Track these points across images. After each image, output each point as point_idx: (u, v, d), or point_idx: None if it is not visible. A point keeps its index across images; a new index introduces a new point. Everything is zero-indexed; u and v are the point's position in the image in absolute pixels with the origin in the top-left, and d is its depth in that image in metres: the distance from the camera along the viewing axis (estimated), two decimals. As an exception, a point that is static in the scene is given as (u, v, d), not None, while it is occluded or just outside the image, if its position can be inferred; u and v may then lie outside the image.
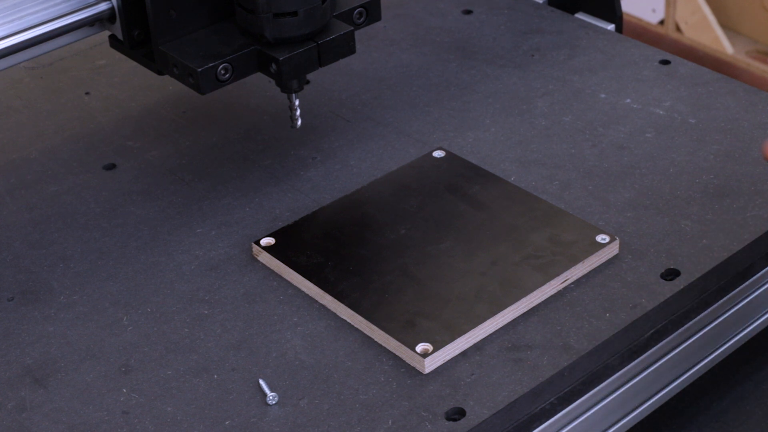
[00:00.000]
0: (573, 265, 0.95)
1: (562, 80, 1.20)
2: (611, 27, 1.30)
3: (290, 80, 1.02)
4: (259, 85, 1.19)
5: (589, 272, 0.96)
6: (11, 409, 0.87)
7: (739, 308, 1.00)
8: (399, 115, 1.16)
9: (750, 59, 2.70)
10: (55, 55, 1.27)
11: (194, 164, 1.11)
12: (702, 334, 0.97)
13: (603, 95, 1.18)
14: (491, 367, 0.88)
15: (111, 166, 1.12)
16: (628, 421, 0.95)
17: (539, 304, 0.93)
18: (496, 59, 1.24)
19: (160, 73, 1.02)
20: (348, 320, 0.93)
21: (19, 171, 1.12)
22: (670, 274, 0.95)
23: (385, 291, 0.94)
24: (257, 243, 0.99)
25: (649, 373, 0.94)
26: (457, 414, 0.84)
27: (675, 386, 0.97)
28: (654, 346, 0.94)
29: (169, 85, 1.21)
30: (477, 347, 0.90)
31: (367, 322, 0.91)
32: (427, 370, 0.88)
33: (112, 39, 1.03)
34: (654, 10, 2.86)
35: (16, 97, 1.23)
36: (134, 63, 1.05)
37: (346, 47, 1.01)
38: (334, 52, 1.00)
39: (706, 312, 0.97)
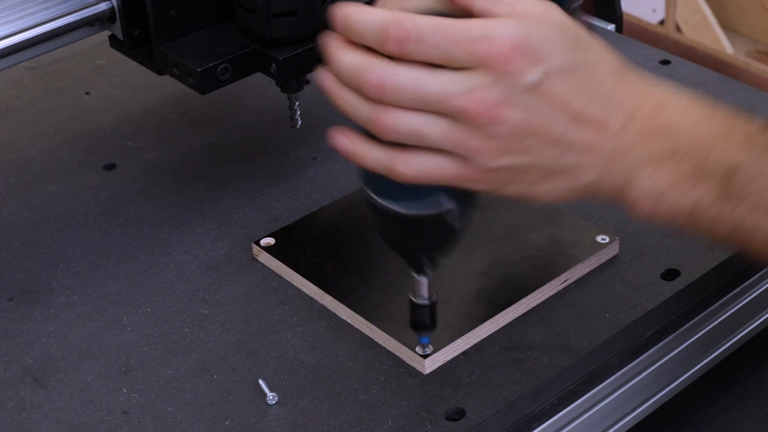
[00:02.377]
0: (573, 265, 0.95)
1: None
2: (611, 27, 1.30)
3: (290, 80, 1.02)
4: (259, 85, 1.19)
5: (589, 272, 0.96)
6: (11, 409, 0.87)
7: (739, 308, 1.00)
8: (399, 115, 1.16)
9: (750, 59, 2.70)
10: (55, 55, 1.27)
11: (194, 164, 1.11)
12: (702, 334, 0.97)
13: (603, 95, 1.17)
14: (491, 367, 0.88)
15: (111, 166, 1.12)
16: (628, 421, 0.95)
17: (539, 304, 0.93)
18: (496, 59, 1.23)
19: (160, 73, 1.02)
20: (348, 320, 0.93)
21: (19, 171, 1.12)
22: (670, 274, 0.95)
23: (385, 291, 0.94)
24: (257, 243, 0.99)
25: (649, 373, 0.94)
26: (457, 414, 0.84)
27: (675, 386, 0.97)
28: (654, 346, 0.93)
29: (169, 85, 1.21)
30: (477, 347, 0.90)
31: (367, 322, 0.91)
32: (427, 371, 0.88)
33: (112, 39, 1.03)
34: (654, 10, 2.86)
35: (16, 97, 1.23)
36: (134, 63, 1.05)
37: (346, 47, 1.01)
38: (334, 52, 1.00)
39: (706, 312, 0.97)
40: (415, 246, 0.79)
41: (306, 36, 0.99)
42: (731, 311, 0.99)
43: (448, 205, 0.74)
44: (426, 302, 0.83)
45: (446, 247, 0.79)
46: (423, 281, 0.82)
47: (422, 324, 0.84)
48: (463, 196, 0.75)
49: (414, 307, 0.84)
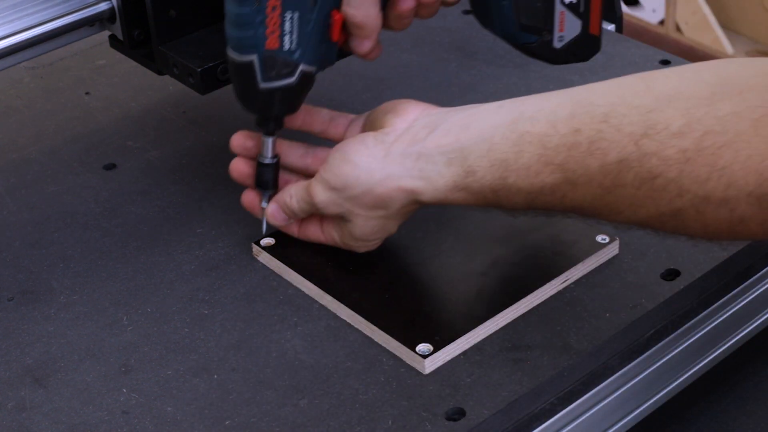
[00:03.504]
0: (573, 265, 0.95)
1: (562, 80, 1.20)
2: (611, 27, 1.30)
3: (290, 80, 1.02)
4: (259, 85, 1.19)
5: (589, 272, 0.96)
6: (11, 409, 0.87)
7: (739, 308, 1.00)
8: (399, 115, 1.16)
9: (750, 59, 2.70)
10: (55, 55, 1.27)
11: (194, 164, 1.11)
12: (702, 334, 0.97)
13: (603, 95, 1.17)
14: (491, 367, 0.88)
15: (111, 166, 1.12)
16: (628, 421, 0.95)
17: (539, 304, 0.93)
18: (496, 59, 1.24)
19: (160, 73, 1.02)
20: (348, 320, 0.93)
21: (19, 171, 1.12)
22: (670, 274, 0.95)
23: (385, 291, 0.94)
24: (257, 243, 0.99)
25: (649, 373, 0.94)
26: (457, 414, 0.84)
27: (675, 386, 0.97)
28: (654, 346, 0.93)
29: (169, 85, 1.21)
30: (477, 347, 0.90)
31: (367, 322, 0.91)
32: (427, 371, 0.88)
33: (112, 39, 1.03)
34: (654, 10, 2.86)
35: (16, 97, 1.23)
36: (134, 63, 1.05)
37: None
38: (334, 52, 1.00)
39: (706, 312, 0.97)
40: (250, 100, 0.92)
41: (306, 36, 0.98)
42: (731, 311, 0.99)
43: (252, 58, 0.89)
44: (269, 161, 0.96)
45: (254, 99, 0.92)
46: (267, 141, 0.96)
47: (264, 182, 0.97)
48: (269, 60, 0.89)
49: (259, 165, 0.96)
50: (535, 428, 0.87)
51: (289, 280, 0.97)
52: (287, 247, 0.99)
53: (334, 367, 0.89)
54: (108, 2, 1.00)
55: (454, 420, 0.84)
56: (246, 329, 0.93)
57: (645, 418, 0.96)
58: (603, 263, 0.97)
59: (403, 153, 0.89)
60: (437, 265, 0.96)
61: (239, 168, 0.98)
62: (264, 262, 0.99)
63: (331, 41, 0.91)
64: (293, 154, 0.98)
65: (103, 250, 1.02)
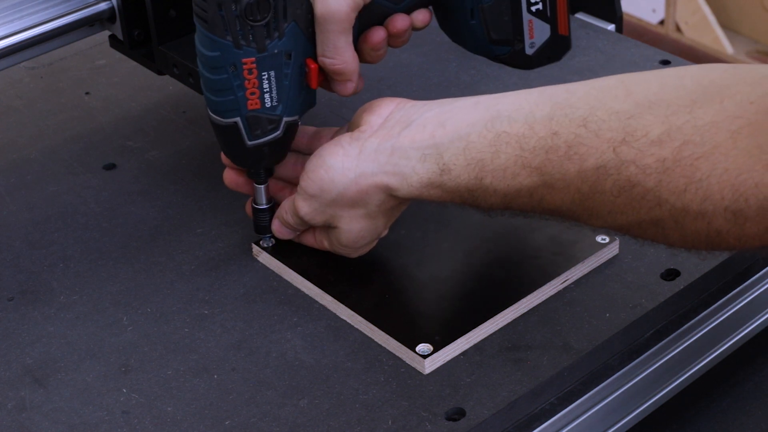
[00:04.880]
0: (573, 265, 0.95)
1: (562, 80, 1.19)
2: (611, 27, 1.30)
3: (290, 80, 1.02)
4: (259, 85, 1.19)
5: (589, 272, 0.96)
6: (11, 409, 0.87)
7: (739, 308, 1.00)
8: (399, 115, 1.16)
9: (750, 59, 2.70)
10: (55, 55, 1.27)
11: (194, 164, 1.11)
12: (702, 334, 0.97)
13: (603, 95, 1.17)
14: (491, 367, 0.88)
15: (111, 166, 1.12)
16: (628, 421, 0.95)
17: (539, 304, 0.93)
18: (496, 59, 1.23)
19: (160, 73, 1.02)
20: (348, 320, 0.93)
21: (19, 171, 1.12)
22: (670, 274, 0.95)
23: (385, 291, 0.94)
24: (257, 243, 0.99)
25: (649, 373, 0.94)
26: (457, 414, 0.84)
27: (675, 386, 0.97)
28: (654, 346, 0.93)
29: (169, 85, 1.21)
30: (477, 347, 0.90)
31: (367, 322, 0.91)
32: (427, 371, 0.88)
33: (112, 39, 1.03)
34: (654, 10, 2.86)
35: (16, 97, 1.23)
36: (134, 63, 1.05)
37: (346, 47, 1.01)
38: (334, 52, 1.00)
39: (706, 312, 0.97)
40: (241, 155, 0.94)
41: (306, 36, 0.98)
42: (731, 311, 0.99)
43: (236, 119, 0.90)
44: (265, 206, 0.97)
45: (243, 156, 0.93)
46: (259, 189, 0.96)
47: (262, 228, 0.98)
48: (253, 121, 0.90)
49: (255, 211, 0.97)
50: (535, 428, 0.87)
51: (289, 280, 0.97)
52: (287, 247, 0.99)
53: (334, 367, 0.89)
54: (108, 2, 1.00)
55: (454, 420, 0.84)
56: (246, 329, 0.93)
57: (645, 418, 0.96)
58: (603, 263, 0.97)
59: (377, 149, 0.89)
60: (437, 265, 0.96)
61: (231, 176, 0.98)
62: (264, 262, 0.99)
63: (309, 88, 0.92)
64: (285, 164, 0.98)
65: (103, 250, 1.02)
